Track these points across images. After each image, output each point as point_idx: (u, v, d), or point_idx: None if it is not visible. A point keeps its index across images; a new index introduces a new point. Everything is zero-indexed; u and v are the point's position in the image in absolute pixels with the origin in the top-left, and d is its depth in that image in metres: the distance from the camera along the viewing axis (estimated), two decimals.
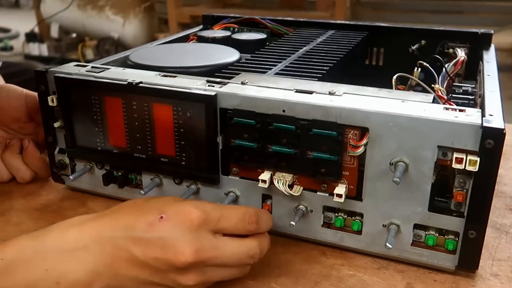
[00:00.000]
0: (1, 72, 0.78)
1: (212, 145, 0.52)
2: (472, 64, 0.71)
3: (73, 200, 0.62)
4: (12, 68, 0.96)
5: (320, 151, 0.48)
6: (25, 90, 0.65)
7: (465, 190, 0.45)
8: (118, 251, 0.41)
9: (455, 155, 0.43)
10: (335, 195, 0.48)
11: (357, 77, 0.73)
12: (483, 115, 0.44)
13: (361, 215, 0.49)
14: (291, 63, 0.64)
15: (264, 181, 0.50)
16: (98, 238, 0.41)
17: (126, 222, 0.42)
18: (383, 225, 0.49)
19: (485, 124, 0.42)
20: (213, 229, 0.42)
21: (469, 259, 0.47)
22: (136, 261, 0.40)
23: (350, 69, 0.73)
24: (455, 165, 0.43)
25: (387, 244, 0.46)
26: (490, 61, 0.67)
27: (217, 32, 0.80)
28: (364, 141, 0.46)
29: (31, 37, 3.65)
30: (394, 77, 0.56)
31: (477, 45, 0.76)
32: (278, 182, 0.50)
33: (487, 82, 0.57)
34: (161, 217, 0.41)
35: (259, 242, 0.44)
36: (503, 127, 0.41)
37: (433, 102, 0.48)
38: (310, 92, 0.49)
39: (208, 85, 0.52)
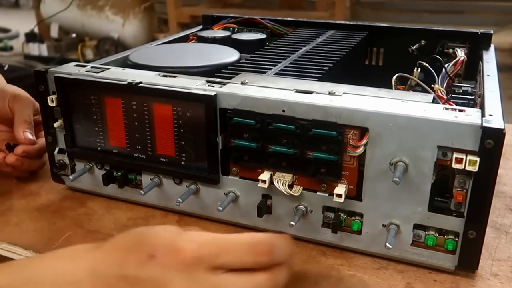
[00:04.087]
0: (7, 76, 0.78)
1: (212, 145, 0.52)
2: (472, 64, 0.71)
3: (73, 200, 0.62)
4: (18, 72, 0.97)
5: (320, 151, 0.48)
6: (8, 93, 0.66)
7: (465, 190, 0.45)
8: None
9: (455, 155, 0.43)
10: (335, 195, 0.48)
11: (357, 77, 0.73)
12: (483, 115, 0.44)
13: (361, 215, 0.49)
14: (291, 63, 0.64)
15: (264, 181, 0.50)
16: (91, 274, 0.38)
17: (119, 258, 0.38)
18: (383, 225, 0.49)
19: (485, 124, 0.42)
20: (212, 266, 0.36)
21: (469, 259, 0.47)
22: None
23: (350, 69, 0.73)
24: (455, 165, 0.43)
25: (387, 244, 0.46)
26: (490, 61, 0.67)
27: (217, 32, 0.80)
28: (364, 141, 0.46)
29: (31, 37, 3.65)
30: (394, 77, 0.56)
31: (477, 45, 0.76)
32: (278, 182, 0.50)
33: (487, 82, 0.57)
34: (153, 255, 0.37)
35: (271, 275, 0.37)
36: (503, 127, 0.42)
37: (433, 102, 0.48)
38: (310, 92, 0.49)
39: (208, 85, 0.52)
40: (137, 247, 0.38)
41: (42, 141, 0.65)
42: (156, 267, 0.36)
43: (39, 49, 3.58)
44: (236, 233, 0.41)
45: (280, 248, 0.38)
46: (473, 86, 0.65)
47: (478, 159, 0.42)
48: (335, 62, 0.65)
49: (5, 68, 0.97)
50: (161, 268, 0.36)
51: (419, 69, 0.62)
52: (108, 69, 0.58)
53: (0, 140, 0.65)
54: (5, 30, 4.36)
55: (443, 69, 0.61)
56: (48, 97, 0.58)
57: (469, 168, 0.43)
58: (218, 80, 0.53)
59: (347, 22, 0.86)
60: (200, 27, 0.90)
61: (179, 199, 0.53)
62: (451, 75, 0.63)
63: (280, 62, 0.64)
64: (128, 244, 0.39)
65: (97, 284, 0.37)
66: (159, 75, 0.56)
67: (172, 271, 0.36)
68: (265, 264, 0.37)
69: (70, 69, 0.58)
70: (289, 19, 0.89)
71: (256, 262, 0.37)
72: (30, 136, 0.63)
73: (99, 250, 0.39)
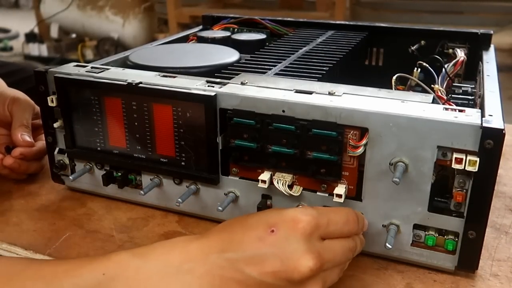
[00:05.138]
0: None
1: (212, 145, 0.52)
2: (471, 64, 0.71)
3: (73, 201, 0.62)
4: (7, 68, 0.97)
5: (320, 151, 0.48)
6: (8, 96, 0.66)
7: (464, 190, 0.45)
8: (229, 273, 0.38)
9: (455, 155, 0.43)
10: (335, 195, 0.48)
11: (357, 77, 0.73)
12: (482, 115, 0.44)
13: None
14: (291, 63, 0.64)
15: (264, 181, 0.50)
16: (204, 260, 0.38)
17: (233, 241, 0.39)
18: (383, 225, 0.49)
19: (484, 124, 0.42)
20: (321, 235, 0.41)
21: (468, 259, 0.47)
22: (251, 281, 0.38)
23: (350, 69, 0.73)
24: (455, 165, 0.43)
25: (387, 244, 0.46)
26: (489, 62, 0.67)
27: (217, 33, 0.80)
28: (364, 141, 0.46)
29: (31, 37, 3.65)
30: (394, 77, 0.56)
31: (477, 45, 0.76)
32: (278, 182, 0.50)
33: (487, 83, 0.57)
34: (272, 231, 0.39)
35: (355, 239, 0.44)
36: (502, 127, 0.42)
37: (432, 102, 0.48)
38: (310, 93, 0.49)
39: (208, 86, 0.52)
40: (253, 226, 0.40)
41: (40, 143, 0.65)
42: (279, 240, 0.39)
43: (39, 49, 3.58)
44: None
45: (362, 220, 0.46)
46: (473, 86, 0.65)
47: (478, 159, 0.42)
48: (335, 62, 0.65)
49: None
50: (284, 240, 0.39)
51: (419, 69, 0.62)
52: (108, 69, 0.58)
53: (0, 143, 0.65)
54: (5, 30, 4.36)
55: (443, 69, 0.61)
56: (48, 97, 0.58)
57: (469, 168, 0.43)
58: (218, 80, 0.53)
59: (347, 22, 0.86)
60: (200, 27, 0.90)
61: (179, 199, 0.53)
62: (451, 75, 0.63)
63: (280, 62, 0.64)
64: (239, 226, 0.41)
65: (212, 269, 0.38)
66: (159, 75, 0.56)
67: (294, 241, 0.39)
68: (354, 233, 0.44)
69: (70, 69, 0.58)
70: (289, 19, 0.89)
71: (350, 232, 0.44)
72: (27, 138, 0.63)
73: (208, 238, 0.40)
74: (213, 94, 0.50)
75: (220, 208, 0.51)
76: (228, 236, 0.40)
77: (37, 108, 0.67)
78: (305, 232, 0.39)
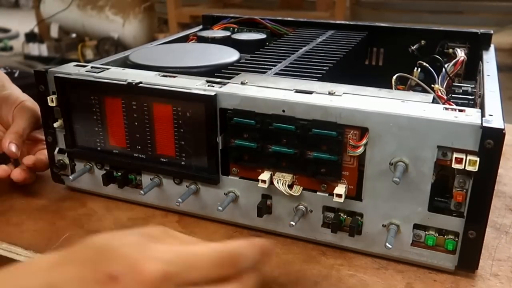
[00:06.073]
0: (20, 82, 0.77)
1: (212, 145, 0.52)
2: (471, 64, 0.71)
3: (73, 200, 0.62)
4: (31, 79, 0.96)
5: (320, 151, 0.48)
6: (18, 101, 0.65)
7: (465, 190, 0.45)
8: None
9: (455, 155, 0.43)
10: (335, 195, 0.48)
11: (357, 77, 0.73)
12: (483, 115, 0.44)
13: (361, 215, 0.49)
14: (291, 63, 0.64)
15: (264, 181, 0.50)
16: None
17: (77, 275, 0.34)
18: (383, 225, 0.49)
19: (485, 124, 0.42)
20: (179, 283, 0.34)
21: (469, 259, 0.47)
22: None
23: (350, 69, 0.73)
24: (455, 165, 0.43)
25: (387, 244, 0.46)
26: (489, 61, 0.67)
27: (217, 32, 0.80)
28: (364, 141, 0.46)
29: (31, 37, 3.65)
30: (394, 77, 0.56)
31: (477, 45, 0.76)
32: (278, 182, 0.50)
33: (487, 82, 0.57)
34: (114, 277, 0.33)
35: (239, 285, 0.36)
36: (502, 127, 0.42)
37: (432, 102, 0.48)
38: (310, 92, 0.49)
39: (208, 85, 0.52)
40: (95, 264, 0.34)
41: (36, 157, 0.62)
42: None
43: (39, 49, 3.57)
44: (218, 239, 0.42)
45: (245, 257, 0.37)
46: (473, 86, 0.65)
47: (478, 159, 0.42)
48: (335, 62, 0.65)
49: (16, 75, 0.96)
50: None
51: (419, 69, 0.62)
52: (108, 69, 0.58)
53: None
54: (5, 30, 4.36)
55: (443, 69, 0.61)
56: (48, 97, 0.58)
57: (469, 168, 0.43)
58: (218, 80, 0.53)
59: (347, 22, 0.86)
60: (200, 27, 0.90)
61: (179, 199, 0.53)
62: (451, 75, 0.63)
63: (280, 62, 0.64)
64: (86, 258, 0.35)
65: None
66: (159, 75, 0.56)
67: None
68: (232, 275, 0.36)
69: (70, 69, 0.58)
70: (289, 19, 0.89)
71: (221, 275, 0.35)
72: (13, 148, 0.61)
73: (56, 265, 0.35)
74: (213, 94, 0.50)
75: (220, 208, 0.52)
76: (75, 268, 0.34)
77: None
78: (149, 285, 0.32)
